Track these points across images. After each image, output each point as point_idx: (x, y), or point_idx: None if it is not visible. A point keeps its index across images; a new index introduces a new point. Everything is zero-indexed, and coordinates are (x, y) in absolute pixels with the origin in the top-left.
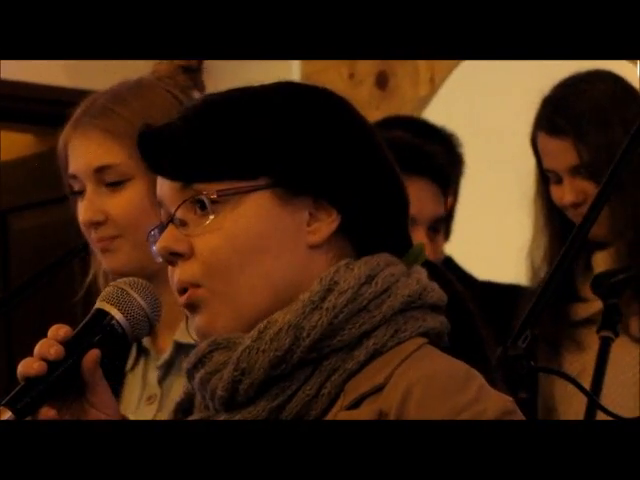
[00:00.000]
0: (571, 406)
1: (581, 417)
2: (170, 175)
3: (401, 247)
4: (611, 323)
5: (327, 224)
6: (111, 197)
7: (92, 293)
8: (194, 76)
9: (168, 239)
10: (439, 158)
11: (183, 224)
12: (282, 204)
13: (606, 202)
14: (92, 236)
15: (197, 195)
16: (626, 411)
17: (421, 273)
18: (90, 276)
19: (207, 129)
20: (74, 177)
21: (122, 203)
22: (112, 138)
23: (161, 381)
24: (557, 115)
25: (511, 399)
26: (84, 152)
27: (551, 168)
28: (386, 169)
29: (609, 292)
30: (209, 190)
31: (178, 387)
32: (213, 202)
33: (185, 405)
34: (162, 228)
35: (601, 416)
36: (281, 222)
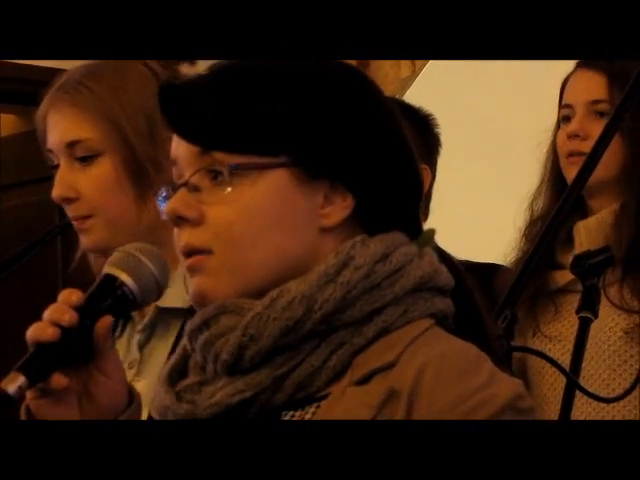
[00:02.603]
0: (543, 378)
1: (555, 391)
2: (191, 138)
3: (412, 232)
4: (590, 303)
5: (341, 209)
6: (82, 172)
7: (81, 268)
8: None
9: (179, 202)
10: None
11: (196, 189)
12: (299, 185)
13: (609, 143)
14: (68, 214)
15: (216, 164)
16: (601, 382)
17: (432, 255)
18: (79, 252)
19: (235, 97)
20: (51, 151)
21: (92, 179)
22: (83, 113)
23: (142, 346)
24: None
25: (521, 383)
26: (57, 126)
27: (569, 102)
28: (405, 154)
29: (588, 273)
30: (229, 161)
31: (159, 352)
32: (232, 174)
33: (179, 367)
34: (174, 188)
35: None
36: (297, 203)
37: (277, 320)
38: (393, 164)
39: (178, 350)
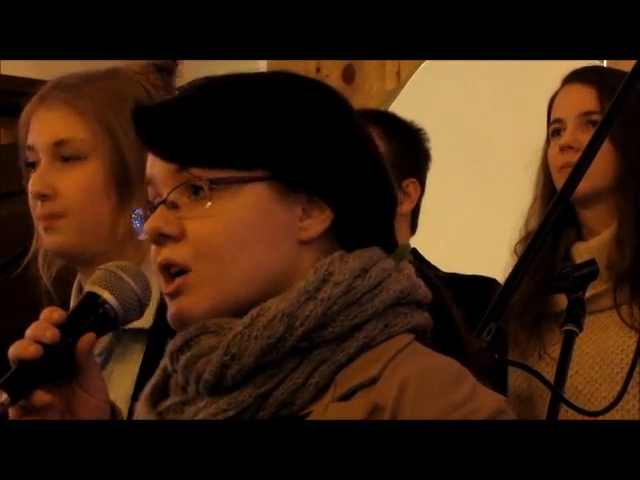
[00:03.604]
0: (544, 395)
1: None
2: (167, 156)
3: (387, 246)
4: (575, 317)
5: (320, 221)
6: (63, 173)
7: (30, 275)
8: (166, 77)
9: (159, 220)
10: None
11: (174, 206)
12: (278, 198)
13: (596, 153)
14: (37, 212)
15: (194, 180)
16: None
17: (410, 269)
18: (30, 255)
19: (212, 113)
20: (31, 148)
21: (73, 180)
22: (76, 114)
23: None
24: (587, 69)
25: (503, 398)
26: (47, 124)
27: (561, 116)
28: (379, 169)
29: (573, 286)
30: (208, 176)
31: (116, 375)
32: (211, 189)
33: (160, 388)
34: (150, 208)
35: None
36: (276, 216)
37: (258, 338)
38: (367, 177)
39: (158, 371)
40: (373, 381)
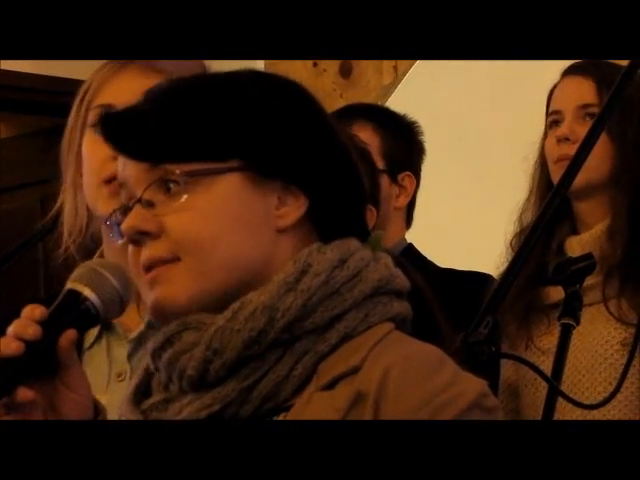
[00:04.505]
0: (537, 390)
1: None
2: (138, 155)
3: (361, 235)
4: (572, 310)
5: (295, 208)
6: None
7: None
8: None
9: (136, 218)
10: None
11: (150, 205)
12: (252, 187)
13: (593, 146)
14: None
15: (167, 175)
16: (597, 394)
17: (388, 259)
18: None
19: (178, 109)
20: (109, 105)
21: None
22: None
23: (130, 356)
24: (587, 62)
25: (485, 382)
26: (126, 89)
27: (559, 108)
28: (347, 157)
29: (570, 279)
30: (180, 170)
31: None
32: (185, 182)
33: (143, 386)
34: (125, 210)
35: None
36: (251, 205)
37: (240, 332)
38: (337, 165)
39: (140, 371)
40: (355, 370)
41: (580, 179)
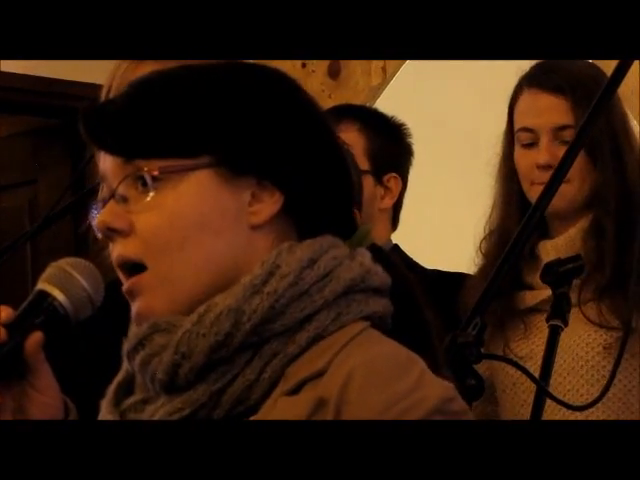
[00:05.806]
0: (516, 395)
1: (529, 407)
2: (112, 150)
3: (346, 230)
4: (560, 312)
5: (269, 205)
6: None
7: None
8: None
9: (108, 215)
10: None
11: (124, 200)
12: (224, 183)
13: (570, 167)
14: None
15: (138, 171)
16: (579, 396)
17: (365, 256)
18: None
19: (150, 104)
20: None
21: None
22: None
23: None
24: (555, 74)
25: (452, 385)
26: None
27: (532, 126)
28: (331, 151)
29: (558, 281)
30: (150, 166)
31: None
32: (154, 179)
33: (124, 385)
34: (103, 204)
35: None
36: (223, 202)
37: (206, 336)
38: (317, 158)
39: (123, 368)
40: (320, 374)
41: (562, 203)
